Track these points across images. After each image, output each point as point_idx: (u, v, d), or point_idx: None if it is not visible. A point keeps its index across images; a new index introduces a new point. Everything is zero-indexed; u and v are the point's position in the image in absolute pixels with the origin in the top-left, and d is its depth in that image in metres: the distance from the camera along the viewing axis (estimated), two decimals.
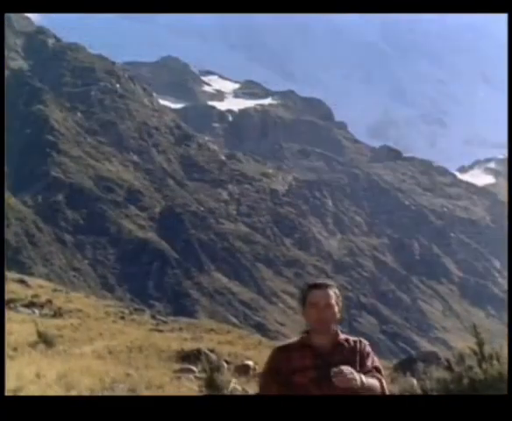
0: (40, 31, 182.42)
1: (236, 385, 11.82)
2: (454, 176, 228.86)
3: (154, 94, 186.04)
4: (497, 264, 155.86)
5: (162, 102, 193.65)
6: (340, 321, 3.31)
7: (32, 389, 8.51)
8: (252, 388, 11.53)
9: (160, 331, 22.65)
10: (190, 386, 11.98)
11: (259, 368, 12.68)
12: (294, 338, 3.34)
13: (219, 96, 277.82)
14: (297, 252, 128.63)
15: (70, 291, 37.65)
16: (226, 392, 10.80)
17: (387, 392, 3.21)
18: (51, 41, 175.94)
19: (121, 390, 9.85)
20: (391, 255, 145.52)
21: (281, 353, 3.25)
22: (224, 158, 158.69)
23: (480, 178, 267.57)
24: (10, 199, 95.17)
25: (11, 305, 22.71)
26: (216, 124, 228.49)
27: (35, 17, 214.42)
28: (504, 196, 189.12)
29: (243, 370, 14.33)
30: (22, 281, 32.84)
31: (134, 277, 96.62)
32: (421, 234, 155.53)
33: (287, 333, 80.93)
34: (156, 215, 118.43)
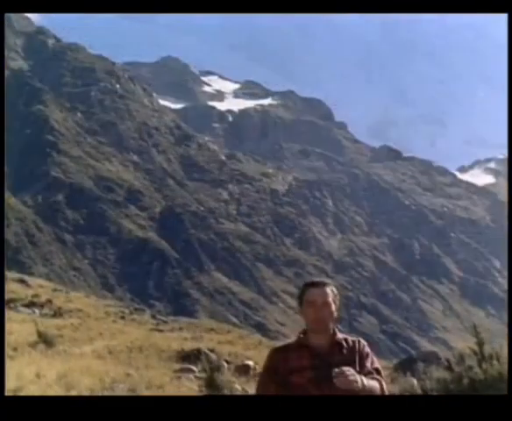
0: (40, 31, 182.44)
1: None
2: (454, 176, 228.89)
3: (154, 94, 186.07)
4: (497, 264, 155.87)
5: (162, 102, 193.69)
6: (338, 320, 3.28)
7: (32, 389, 8.51)
8: (252, 389, 11.50)
9: (161, 330, 22.65)
10: (190, 386, 11.98)
11: (260, 368, 12.67)
12: (292, 339, 3.33)
13: (219, 96, 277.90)
14: (297, 252, 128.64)
15: (70, 291, 37.62)
16: (226, 392, 10.80)
17: (387, 394, 3.21)
18: (51, 41, 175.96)
19: (121, 390, 9.85)
20: (391, 255, 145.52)
21: (279, 354, 3.23)
22: (224, 158, 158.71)
23: (480, 178, 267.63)
24: (10, 199, 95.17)
25: (11, 305, 22.71)
26: (216, 125, 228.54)
27: (35, 17, 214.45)
28: (504, 196, 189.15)
29: (243, 370, 14.33)
30: (22, 281, 32.83)
31: (134, 277, 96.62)
32: (421, 234, 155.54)
33: (287, 333, 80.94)
34: (156, 215, 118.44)
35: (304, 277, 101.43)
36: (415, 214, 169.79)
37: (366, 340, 3.38)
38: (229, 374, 13.06)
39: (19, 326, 16.30)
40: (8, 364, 7.78)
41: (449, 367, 6.88)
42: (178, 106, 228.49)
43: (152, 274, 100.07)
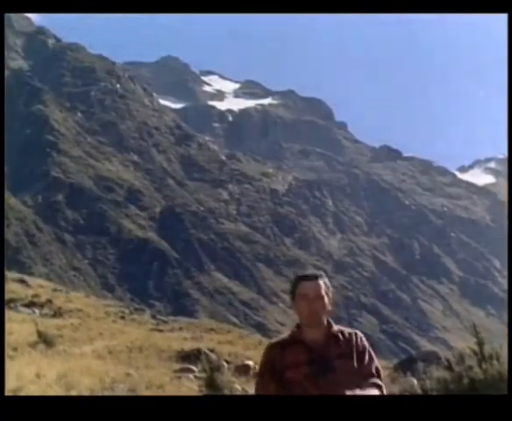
0: (40, 31, 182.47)
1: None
2: (454, 176, 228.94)
3: (154, 94, 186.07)
4: (497, 264, 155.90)
5: (162, 102, 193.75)
6: (331, 312, 3.22)
7: (32, 389, 8.51)
8: (252, 389, 11.50)
9: (161, 330, 22.66)
10: (190, 386, 11.99)
11: None
12: (286, 334, 3.27)
13: (219, 96, 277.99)
14: (297, 251, 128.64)
15: (70, 291, 37.62)
16: (226, 392, 10.80)
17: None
18: (51, 41, 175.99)
19: (121, 390, 9.85)
20: (391, 255, 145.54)
21: (275, 350, 3.18)
22: (224, 158, 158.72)
23: (480, 178, 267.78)
24: (10, 199, 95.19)
25: (11, 305, 22.71)
26: (216, 124, 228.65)
27: (35, 17, 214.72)
28: (504, 196, 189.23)
29: (243, 370, 14.33)
30: (22, 281, 32.82)
31: (134, 277, 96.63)
32: (421, 234, 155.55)
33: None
34: (156, 215, 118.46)
35: None
36: (415, 214, 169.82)
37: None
38: (229, 374, 13.07)
39: (19, 326, 16.30)
40: (8, 364, 7.78)
41: (449, 367, 6.88)
42: (178, 106, 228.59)
43: (152, 274, 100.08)
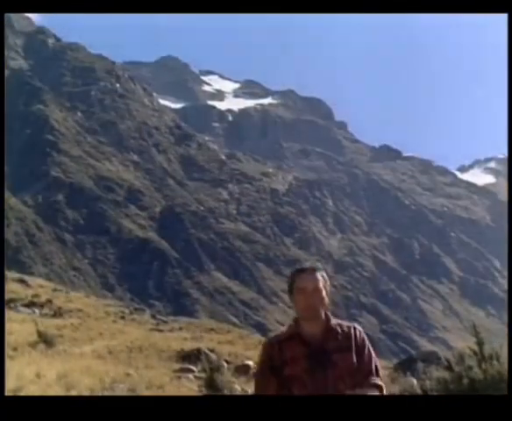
0: (40, 31, 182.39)
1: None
2: (454, 176, 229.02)
3: (154, 94, 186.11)
4: (497, 264, 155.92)
5: (162, 102, 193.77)
6: (329, 306, 3.20)
7: (32, 389, 8.51)
8: (252, 389, 11.49)
9: (160, 330, 22.67)
10: (190, 386, 11.99)
11: None
12: (283, 329, 3.25)
13: (219, 95, 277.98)
14: (297, 251, 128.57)
15: (70, 291, 37.64)
16: (226, 392, 10.80)
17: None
18: (51, 41, 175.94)
19: (121, 390, 9.86)
20: (391, 255, 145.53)
21: (273, 346, 3.15)
22: (224, 158, 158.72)
23: (480, 178, 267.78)
24: (10, 199, 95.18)
25: (11, 305, 22.71)
26: (216, 124, 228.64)
27: (35, 17, 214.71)
28: (504, 196, 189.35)
29: (243, 370, 14.33)
30: (22, 281, 32.83)
31: (134, 277, 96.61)
32: (421, 234, 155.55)
33: None
34: (156, 215, 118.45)
35: None
36: (415, 214, 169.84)
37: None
38: (229, 374, 13.07)
39: (19, 326, 16.31)
40: (8, 364, 7.78)
41: (449, 367, 6.88)
42: (178, 106, 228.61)
43: (152, 274, 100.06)
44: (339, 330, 3.15)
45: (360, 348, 3.14)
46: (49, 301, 25.75)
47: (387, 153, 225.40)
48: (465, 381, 6.46)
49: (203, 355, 15.16)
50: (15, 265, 60.01)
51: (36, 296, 26.97)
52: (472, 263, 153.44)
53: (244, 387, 12.05)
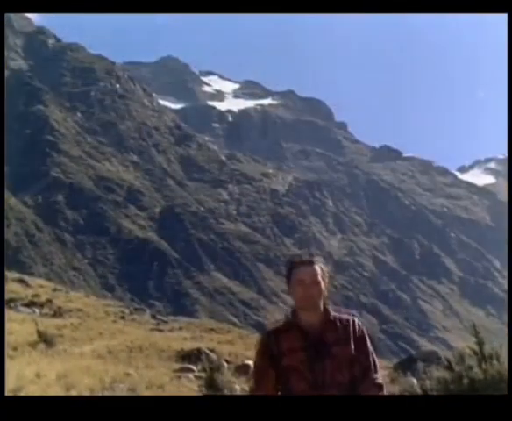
0: (40, 31, 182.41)
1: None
2: (454, 176, 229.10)
3: (154, 94, 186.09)
4: (497, 264, 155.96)
5: (162, 102, 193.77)
6: (327, 297, 3.17)
7: (32, 389, 8.51)
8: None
9: (160, 330, 22.68)
10: (190, 386, 11.99)
11: None
12: (280, 321, 3.21)
13: (219, 96, 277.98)
14: (297, 252, 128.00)
15: (70, 291, 37.66)
16: (226, 392, 10.80)
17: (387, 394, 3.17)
18: (51, 41, 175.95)
19: (121, 390, 9.85)
20: (391, 255, 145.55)
21: (271, 337, 3.13)
22: (224, 158, 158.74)
23: (480, 178, 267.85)
24: (10, 199, 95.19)
25: (11, 305, 22.72)
26: (216, 125, 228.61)
27: (35, 17, 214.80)
28: (504, 196, 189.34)
29: (243, 370, 14.32)
30: (22, 281, 32.84)
31: (134, 277, 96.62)
32: (421, 234, 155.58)
33: None
34: (156, 215, 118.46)
35: None
36: (415, 214, 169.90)
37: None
38: (229, 374, 13.07)
39: (19, 326, 16.31)
40: (8, 364, 7.78)
41: (449, 367, 6.88)
42: (178, 106, 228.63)
43: (152, 274, 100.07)
44: (338, 322, 3.12)
45: (359, 340, 3.12)
46: (49, 301, 25.77)
47: (387, 154, 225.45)
48: (466, 380, 6.46)
49: (203, 355, 15.16)
50: (15, 265, 60.00)
51: (36, 295, 26.99)
52: (472, 263, 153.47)
53: (244, 387, 12.04)
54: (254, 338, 27.69)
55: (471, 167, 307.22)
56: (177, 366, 14.55)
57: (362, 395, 3.04)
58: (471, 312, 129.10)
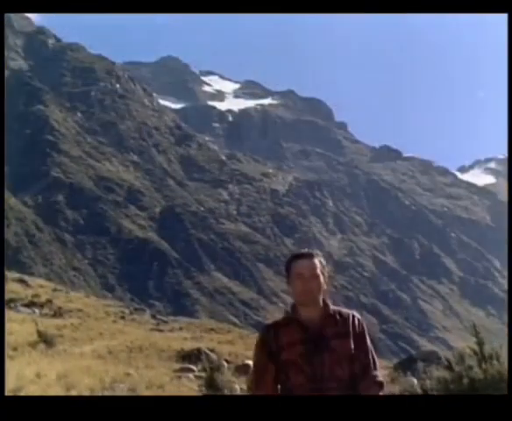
0: (40, 31, 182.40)
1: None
2: (454, 176, 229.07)
3: (154, 94, 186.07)
4: (497, 264, 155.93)
5: (162, 102, 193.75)
6: (327, 291, 3.17)
7: (32, 389, 8.51)
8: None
9: (161, 330, 22.69)
10: (190, 386, 11.99)
11: None
12: (280, 316, 3.23)
13: (219, 96, 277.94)
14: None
15: (70, 291, 37.67)
16: (226, 392, 10.80)
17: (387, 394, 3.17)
18: (51, 41, 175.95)
19: (121, 390, 9.85)
20: (391, 255, 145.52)
21: (270, 331, 3.13)
22: (224, 158, 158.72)
23: (480, 178, 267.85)
24: (10, 199, 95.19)
25: (11, 305, 22.73)
26: (216, 124, 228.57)
27: (35, 17, 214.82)
28: (504, 196, 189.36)
29: (243, 370, 14.32)
30: (22, 281, 32.85)
31: (134, 277, 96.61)
32: (421, 234, 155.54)
33: None
34: (156, 215, 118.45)
35: None
36: (415, 214, 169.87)
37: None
38: (229, 374, 13.07)
39: (19, 326, 16.31)
40: (8, 364, 7.78)
41: (449, 367, 6.88)
42: (178, 106, 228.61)
43: (152, 274, 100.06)
44: (338, 316, 3.13)
45: (358, 336, 3.12)
46: (49, 301, 25.77)
47: (388, 154, 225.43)
48: (466, 380, 6.46)
49: (203, 355, 15.16)
50: (15, 265, 60.00)
51: (36, 296, 27.00)
52: (472, 263, 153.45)
53: (244, 387, 12.04)
54: (254, 338, 27.66)
55: (471, 167, 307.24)
56: (177, 366, 14.56)
57: (362, 394, 3.04)
58: (471, 312, 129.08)
